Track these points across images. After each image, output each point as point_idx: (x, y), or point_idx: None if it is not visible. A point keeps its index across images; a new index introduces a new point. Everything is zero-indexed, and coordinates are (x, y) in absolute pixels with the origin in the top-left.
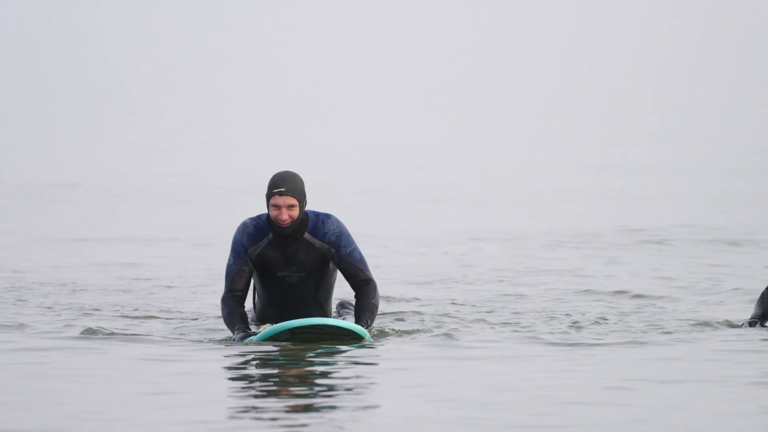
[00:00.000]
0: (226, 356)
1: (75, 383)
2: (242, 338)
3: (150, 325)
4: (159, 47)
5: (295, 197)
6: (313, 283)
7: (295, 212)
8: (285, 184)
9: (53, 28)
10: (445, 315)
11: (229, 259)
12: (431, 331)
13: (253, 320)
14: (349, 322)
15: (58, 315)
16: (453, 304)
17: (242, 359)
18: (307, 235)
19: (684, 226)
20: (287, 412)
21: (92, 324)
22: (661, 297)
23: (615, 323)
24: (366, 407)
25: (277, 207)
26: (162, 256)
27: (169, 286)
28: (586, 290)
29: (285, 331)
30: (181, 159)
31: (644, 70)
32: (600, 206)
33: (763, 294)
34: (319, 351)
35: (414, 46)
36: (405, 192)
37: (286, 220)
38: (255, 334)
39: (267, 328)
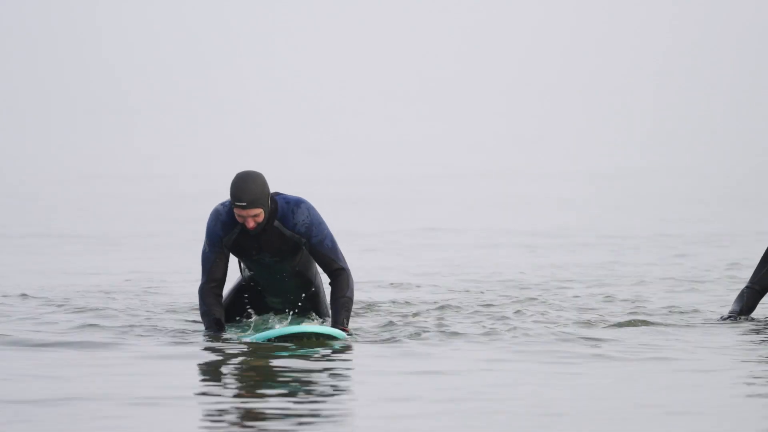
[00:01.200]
0: (200, 363)
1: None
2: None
3: (117, 327)
4: (158, 47)
5: (257, 207)
6: (288, 263)
7: (261, 217)
8: (246, 197)
9: (52, 27)
10: (438, 313)
11: (205, 246)
12: (418, 334)
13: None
14: (326, 327)
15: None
16: (442, 306)
17: (218, 364)
18: (277, 223)
19: (676, 227)
20: (262, 419)
21: (66, 324)
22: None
23: (617, 325)
24: (342, 413)
25: (242, 216)
26: (142, 256)
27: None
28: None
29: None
30: (178, 159)
31: (644, 70)
32: (597, 209)
33: (742, 292)
34: (296, 354)
35: (414, 46)
36: (404, 191)
37: (252, 227)
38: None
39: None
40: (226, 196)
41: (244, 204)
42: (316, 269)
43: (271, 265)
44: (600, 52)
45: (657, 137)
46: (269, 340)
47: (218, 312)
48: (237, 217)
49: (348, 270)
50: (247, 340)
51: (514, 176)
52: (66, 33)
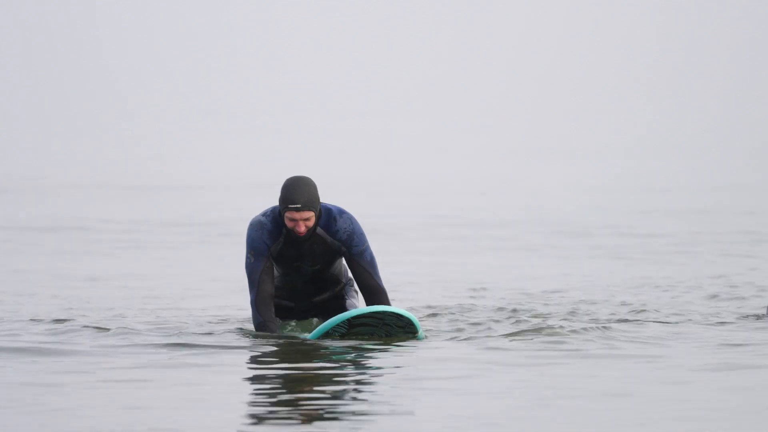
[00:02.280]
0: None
1: (97, 393)
2: None
3: (167, 328)
4: (157, 47)
5: (311, 210)
6: (327, 271)
7: (312, 221)
8: (300, 199)
9: (48, 24)
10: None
11: (249, 259)
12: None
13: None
14: (408, 312)
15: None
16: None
17: (270, 369)
18: (320, 230)
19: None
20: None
21: (106, 325)
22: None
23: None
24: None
25: (294, 220)
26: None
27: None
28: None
29: (338, 326)
30: (175, 160)
31: (635, 70)
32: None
33: None
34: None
35: (406, 46)
36: (403, 193)
37: (303, 232)
38: None
39: (320, 326)
40: (231, 199)
41: (298, 206)
42: (345, 269)
43: (308, 273)
44: (594, 50)
45: (651, 139)
46: (348, 320)
47: (274, 324)
48: (287, 222)
49: (385, 290)
50: (321, 328)
51: (512, 179)
52: (62, 31)
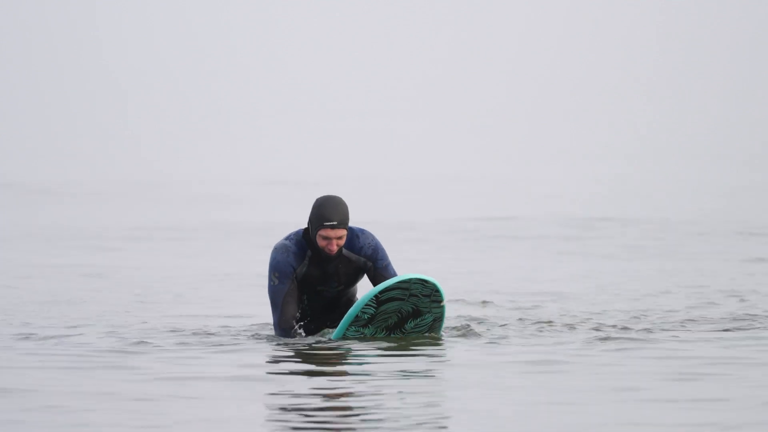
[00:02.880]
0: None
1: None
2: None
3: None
4: (157, 47)
5: (345, 228)
6: (347, 294)
7: (343, 240)
8: (336, 217)
9: (48, 25)
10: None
11: (273, 281)
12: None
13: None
14: (432, 278)
15: (71, 325)
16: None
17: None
18: (344, 250)
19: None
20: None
21: (117, 332)
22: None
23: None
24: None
25: (328, 238)
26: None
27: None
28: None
29: (366, 306)
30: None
31: (635, 70)
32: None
33: None
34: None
35: (406, 46)
36: (403, 194)
37: (335, 250)
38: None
39: (349, 310)
40: (235, 203)
41: (334, 223)
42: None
43: (333, 295)
44: (593, 50)
45: (651, 139)
46: (376, 296)
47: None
48: (320, 241)
49: None
50: (344, 321)
51: (512, 179)
52: (62, 29)
